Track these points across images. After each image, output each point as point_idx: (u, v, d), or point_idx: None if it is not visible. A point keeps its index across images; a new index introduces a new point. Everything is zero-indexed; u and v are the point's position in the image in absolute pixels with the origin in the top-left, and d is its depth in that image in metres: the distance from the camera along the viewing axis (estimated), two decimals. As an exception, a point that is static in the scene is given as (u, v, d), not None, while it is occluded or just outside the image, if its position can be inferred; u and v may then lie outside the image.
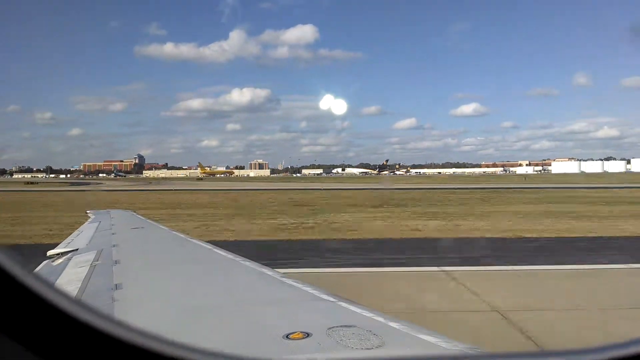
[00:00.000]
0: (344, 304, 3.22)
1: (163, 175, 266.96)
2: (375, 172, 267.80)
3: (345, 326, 2.66)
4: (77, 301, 0.99)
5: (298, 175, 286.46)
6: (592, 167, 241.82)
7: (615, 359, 0.95)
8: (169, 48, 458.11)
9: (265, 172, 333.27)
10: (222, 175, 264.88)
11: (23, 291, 0.91)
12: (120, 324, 0.98)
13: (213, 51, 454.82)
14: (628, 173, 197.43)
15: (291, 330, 2.57)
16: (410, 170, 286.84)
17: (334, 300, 3.33)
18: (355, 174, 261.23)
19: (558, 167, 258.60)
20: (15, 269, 0.92)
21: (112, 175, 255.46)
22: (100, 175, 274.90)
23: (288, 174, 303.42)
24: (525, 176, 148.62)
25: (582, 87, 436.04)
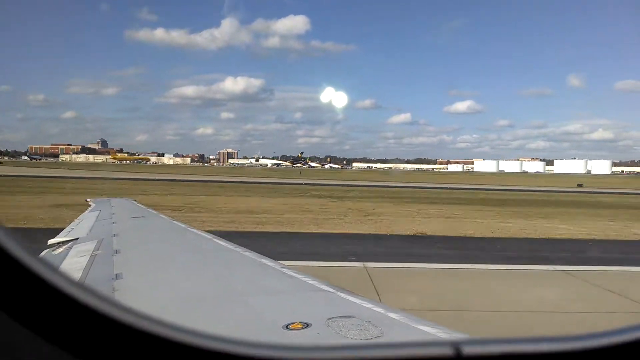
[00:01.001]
0: (343, 295, 3.23)
1: (80, 160, 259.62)
2: (289, 164, 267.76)
3: (345, 317, 2.68)
4: (83, 285, 0.99)
5: (216, 164, 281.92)
6: (511, 166, 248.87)
7: (611, 345, 0.95)
8: (160, 33, 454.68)
9: (185, 160, 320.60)
10: (132, 162, 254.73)
11: (27, 274, 0.91)
12: (126, 308, 0.98)
13: (204, 38, 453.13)
14: (539, 174, 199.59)
15: (291, 321, 2.58)
16: (331, 164, 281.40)
17: (334, 290, 3.34)
18: (268, 165, 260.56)
19: (479, 166, 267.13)
20: (20, 252, 0.92)
21: (28, 158, 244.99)
22: (23, 158, 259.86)
23: (215, 164, 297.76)
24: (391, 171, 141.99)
25: (576, 89, 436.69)
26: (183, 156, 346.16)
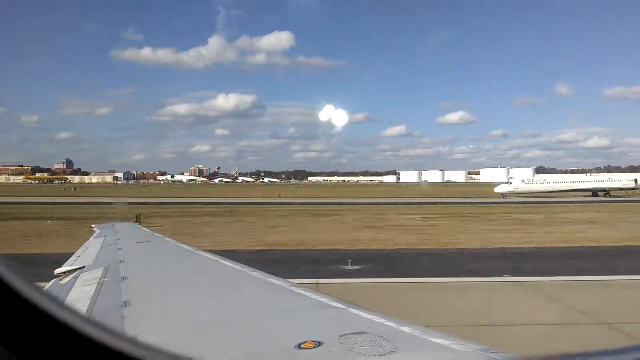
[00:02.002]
0: (354, 311, 3.20)
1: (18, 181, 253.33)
2: (205, 179, 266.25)
3: (357, 333, 2.65)
4: (83, 317, 0.98)
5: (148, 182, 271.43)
6: (434, 176, 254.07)
7: None
8: (146, 53, 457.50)
9: (108, 178, 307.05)
10: (45, 182, 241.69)
11: (28, 307, 0.90)
12: (128, 339, 0.97)
13: (191, 57, 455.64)
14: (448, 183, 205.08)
15: (302, 340, 2.56)
16: (240, 178, 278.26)
17: (344, 307, 3.31)
18: (183, 182, 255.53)
19: (405, 176, 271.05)
20: (19, 284, 0.92)
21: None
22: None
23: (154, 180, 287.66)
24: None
25: (564, 97, 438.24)
26: (106, 173, 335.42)
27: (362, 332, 2.66)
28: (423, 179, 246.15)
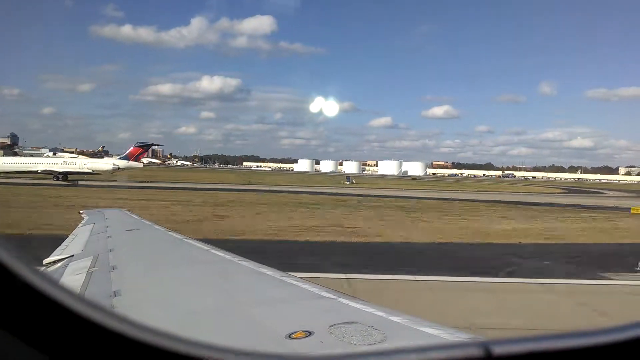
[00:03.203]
0: (344, 301, 3.22)
1: None
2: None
3: (347, 323, 2.67)
4: (84, 299, 0.97)
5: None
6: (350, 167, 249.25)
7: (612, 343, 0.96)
8: (127, 30, 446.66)
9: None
10: None
11: (27, 289, 0.89)
12: (130, 321, 0.97)
13: (172, 36, 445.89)
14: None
15: (293, 330, 2.57)
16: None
17: (335, 297, 3.33)
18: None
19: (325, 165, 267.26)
20: (19, 267, 0.91)
21: None
22: None
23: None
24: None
25: (547, 96, 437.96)
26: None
27: (352, 322, 2.68)
28: (341, 168, 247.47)
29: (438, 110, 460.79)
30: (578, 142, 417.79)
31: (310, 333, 2.52)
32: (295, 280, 3.85)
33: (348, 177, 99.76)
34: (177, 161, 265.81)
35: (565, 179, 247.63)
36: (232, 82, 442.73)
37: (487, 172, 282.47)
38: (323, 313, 3.04)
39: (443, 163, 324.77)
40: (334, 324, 2.62)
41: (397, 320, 2.78)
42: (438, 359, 0.90)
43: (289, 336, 2.50)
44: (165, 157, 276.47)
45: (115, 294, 3.72)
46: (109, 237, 7.32)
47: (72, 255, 6.12)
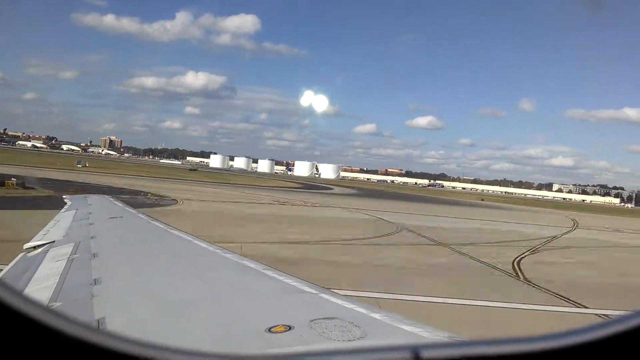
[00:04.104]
0: (325, 296, 3.23)
1: None
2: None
3: (327, 318, 2.68)
4: (46, 308, 0.95)
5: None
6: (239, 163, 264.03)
7: (575, 345, 0.97)
8: (109, 20, 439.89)
9: None
10: None
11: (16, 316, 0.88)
12: (91, 328, 0.95)
13: (155, 30, 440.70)
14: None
15: (273, 324, 2.57)
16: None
17: (316, 292, 3.34)
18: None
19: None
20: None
21: None
22: None
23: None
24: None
25: (527, 113, 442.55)
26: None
27: (332, 318, 2.69)
28: (253, 166, 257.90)
29: (422, 121, 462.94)
30: (559, 161, 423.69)
31: (290, 327, 2.53)
32: (278, 274, 3.85)
33: (79, 161, 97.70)
34: (102, 150, 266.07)
35: (494, 191, 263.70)
36: (218, 80, 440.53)
37: (419, 181, 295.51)
38: (304, 307, 3.05)
39: (353, 168, 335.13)
40: (315, 319, 2.63)
41: (377, 317, 2.79)
42: None
43: (269, 330, 2.51)
44: (86, 145, 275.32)
45: (95, 282, 3.69)
46: (91, 223, 7.25)
47: (54, 241, 6.05)
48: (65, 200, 11.14)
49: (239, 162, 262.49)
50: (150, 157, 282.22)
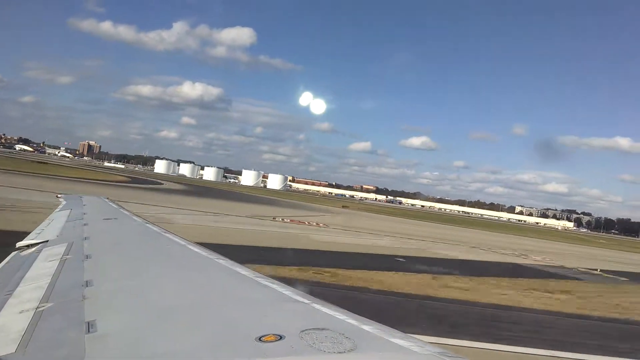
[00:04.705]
0: (317, 306, 3.22)
1: None
2: None
3: (318, 329, 2.67)
4: None
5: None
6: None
7: None
8: (106, 26, 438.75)
9: None
10: None
11: None
12: None
13: (151, 39, 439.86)
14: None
15: (264, 333, 2.57)
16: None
17: (308, 301, 3.32)
18: None
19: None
20: None
21: None
22: None
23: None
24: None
25: (520, 137, 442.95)
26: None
27: (323, 329, 2.68)
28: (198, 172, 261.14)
29: (416, 141, 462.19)
30: (552, 187, 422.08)
31: (281, 337, 2.52)
32: (270, 282, 3.84)
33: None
34: (58, 152, 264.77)
35: (452, 210, 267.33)
36: (214, 91, 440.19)
37: (378, 197, 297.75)
38: (295, 317, 3.04)
39: (315, 181, 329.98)
40: (306, 329, 2.62)
41: (368, 330, 2.79)
42: None
43: (260, 339, 2.50)
44: (40, 145, 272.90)
45: (87, 283, 3.68)
46: (85, 224, 7.24)
47: (47, 241, 6.03)
48: (60, 200, 11.10)
49: (184, 169, 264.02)
50: (112, 162, 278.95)
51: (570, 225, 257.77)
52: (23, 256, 5.41)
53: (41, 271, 4.39)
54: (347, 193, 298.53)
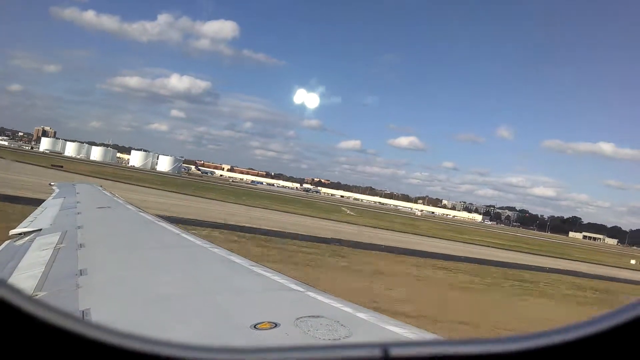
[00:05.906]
0: (312, 294, 3.23)
1: None
2: None
3: (313, 316, 2.68)
4: (42, 303, 0.95)
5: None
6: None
7: (538, 348, 0.98)
8: (89, 16, 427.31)
9: None
10: None
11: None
12: (84, 322, 0.94)
13: (135, 29, 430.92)
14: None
15: (259, 320, 2.57)
16: None
17: (303, 290, 3.33)
18: None
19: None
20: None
21: None
22: None
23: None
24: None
25: (505, 140, 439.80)
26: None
27: (318, 316, 2.69)
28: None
29: (404, 141, 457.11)
30: (541, 191, 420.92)
31: (276, 324, 2.53)
32: (264, 271, 3.85)
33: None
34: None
35: (375, 202, 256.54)
36: (201, 84, 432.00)
37: (297, 185, 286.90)
38: (290, 305, 3.05)
39: (243, 169, 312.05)
40: (301, 317, 2.63)
41: (363, 317, 2.80)
42: (338, 357, 0.91)
43: (255, 326, 2.51)
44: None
45: (81, 272, 3.66)
46: (78, 213, 7.19)
47: (40, 229, 6.00)
48: (53, 187, 10.99)
49: (135, 158, 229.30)
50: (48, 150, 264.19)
51: (479, 218, 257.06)
52: (16, 245, 5.37)
53: (35, 260, 4.36)
54: (262, 179, 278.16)
